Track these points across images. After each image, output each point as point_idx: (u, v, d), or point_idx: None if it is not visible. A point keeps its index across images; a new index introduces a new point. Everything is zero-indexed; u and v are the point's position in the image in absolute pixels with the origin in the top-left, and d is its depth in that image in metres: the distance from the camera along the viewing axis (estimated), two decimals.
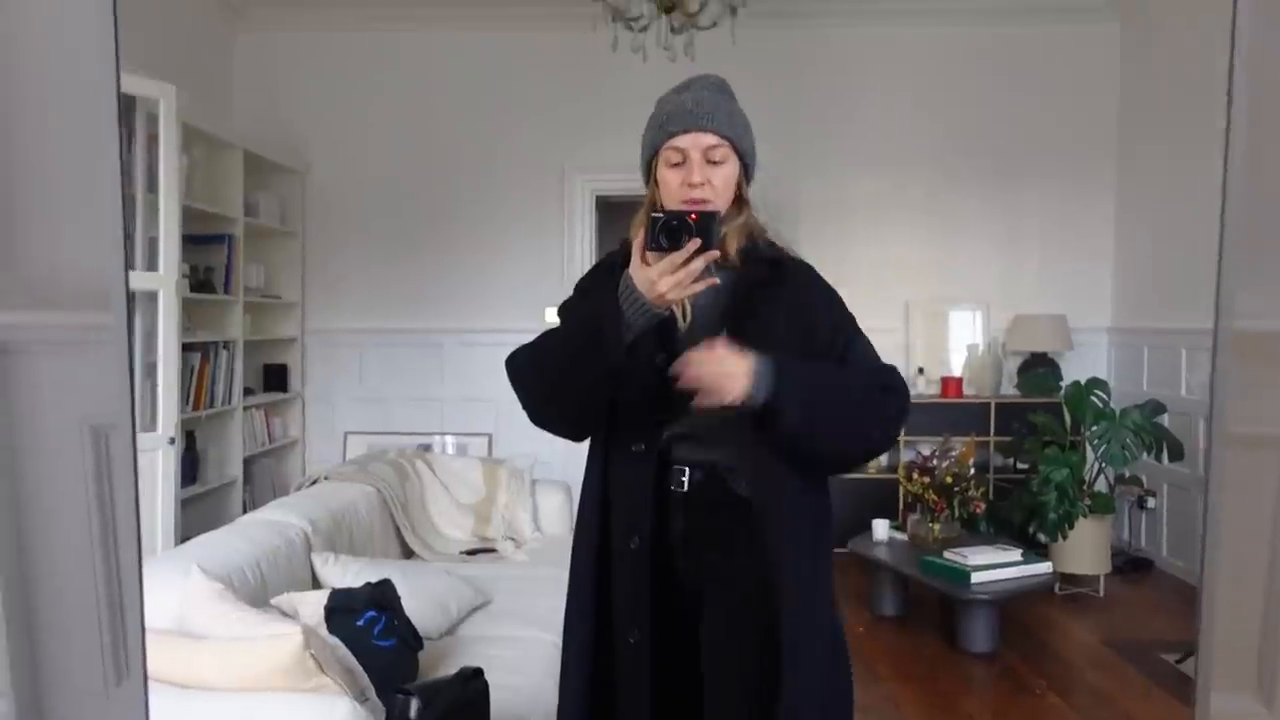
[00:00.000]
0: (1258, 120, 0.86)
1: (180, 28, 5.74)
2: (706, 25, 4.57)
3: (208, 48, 6.12)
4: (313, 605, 2.74)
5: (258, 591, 2.82)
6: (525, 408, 1.80)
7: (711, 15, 4.53)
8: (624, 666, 1.77)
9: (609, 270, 1.85)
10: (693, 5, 4.55)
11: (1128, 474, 5.48)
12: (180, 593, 2.50)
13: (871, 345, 1.85)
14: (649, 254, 1.62)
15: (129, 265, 4.15)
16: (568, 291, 1.98)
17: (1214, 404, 0.83)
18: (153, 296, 4.17)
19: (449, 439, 6.39)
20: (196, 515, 4.90)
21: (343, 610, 2.68)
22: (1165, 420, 5.26)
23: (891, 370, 1.82)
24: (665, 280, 1.59)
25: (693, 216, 1.61)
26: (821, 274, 1.89)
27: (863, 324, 1.88)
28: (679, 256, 1.59)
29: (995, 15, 6.26)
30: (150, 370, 4.20)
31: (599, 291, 1.78)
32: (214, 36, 6.20)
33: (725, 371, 1.61)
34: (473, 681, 2.31)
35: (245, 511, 4.78)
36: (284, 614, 2.76)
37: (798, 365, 1.67)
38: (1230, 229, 0.88)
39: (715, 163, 1.74)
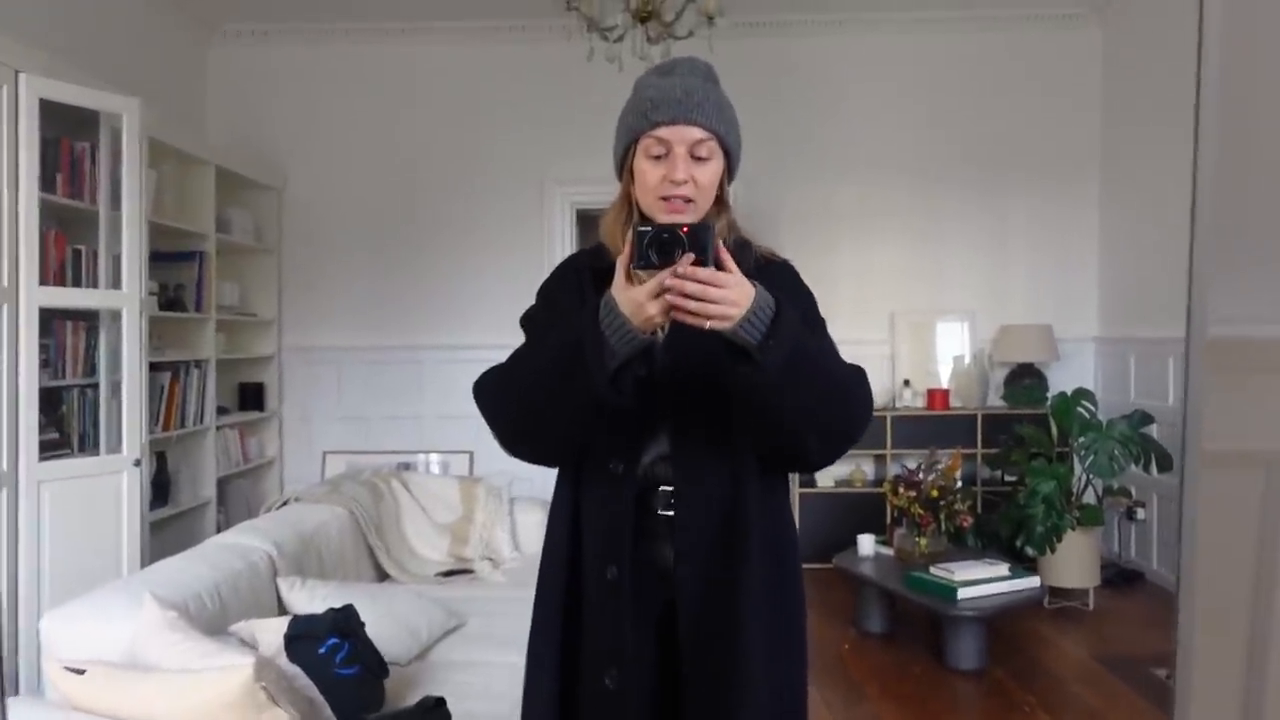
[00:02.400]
0: (1228, 116, 0.79)
1: (151, 43, 5.67)
2: (683, 35, 4.50)
3: (180, 63, 6.04)
4: (273, 633, 2.65)
5: (217, 618, 2.73)
6: (498, 438, 1.63)
7: (688, 24, 4.47)
8: (599, 714, 1.62)
9: (575, 273, 1.73)
10: (668, 15, 4.49)
11: (1116, 485, 5.41)
12: (134, 622, 2.41)
13: (839, 354, 1.69)
14: (635, 270, 1.46)
15: (90, 282, 4.07)
16: None
17: (1187, 421, 0.75)
18: (116, 315, 4.08)
19: (431, 457, 6.30)
20: (168, 538, 4.81)
21: (304, 638, 2.59)
22: (1153, 431, 5.20)
23: (863, 372, 1.66)
24: (655, 303, 1.43)
25: (684, 229, 1.44)
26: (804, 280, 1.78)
27: (848, 335, 1.78)
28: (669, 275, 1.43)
29: (977, 23, 6.23)
30: (115, 390, 4.10)
31: (567, 299, 1.67)
32: (186, 51, 6.12)
33: (722, 296, 1.41)
34: (434, 712, 2.22)
35: (219, 533, 4.70)
36: (243, 642, 2.67)
37: (797, 320, 1.49)
38: (1202, 232, 0.81)
39: (700, 159, 1.59)
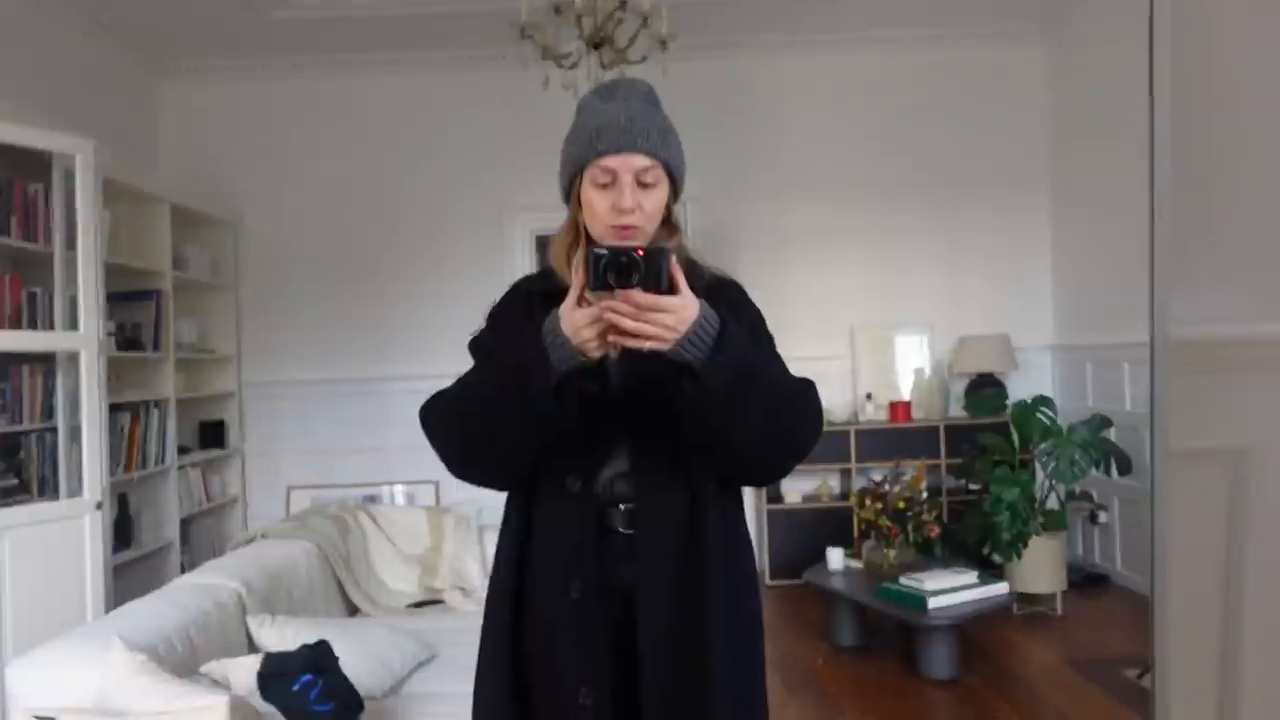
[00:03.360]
0: (1181, 127, 0.82)
1: (103, 81, 5.63)
2: (637, 60, 4.54)
3: (131, 101, 6.00)
4: (245, 671, 2.63)
5: (187, 660, 2.70)
6: (444, 460, 1.62)
7: (641, 50, 4.50)
8: None
9: (526, 295, 1.73)
10: (622, 41, 4.52)
11: (1078, 490, 5.49)
12: (101, 667, 2.37)
13: (787, 369, 1.70)
14: (591, 293, 1.46)
15: (46, 324, 4.02)
16: None
17: (1154, 423, 0.77)
18: (74, 357, 4.03)
19: (397, 488, 6.26)
20: (132, 581, 4.73)
21: (277, 675, 2.57)
22: (1112, 434, 5.28)
23: (811, 384, 1.65)
24: (591, 328, 1.46)
25: (639, 251, 1.45)
26: (761, 298, 1.79)
27: (808, 351, 1.77)
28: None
29: (925, 41, 6.33)
30: (74, 433, 4.05)
31: (515, 323, 1.65)
32: (137, 89, 6.08)
33: (658, 320, 1.43)
34: None
35: (184, 574, 4.64)
36: (215, 682, 2.64)
37: (742, 337, 1.52)
38: (1160, 239, 0.84)
39: (646, 185, 1.61)
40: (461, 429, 1.60)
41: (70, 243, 4.10)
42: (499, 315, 1.76)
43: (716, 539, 1.63)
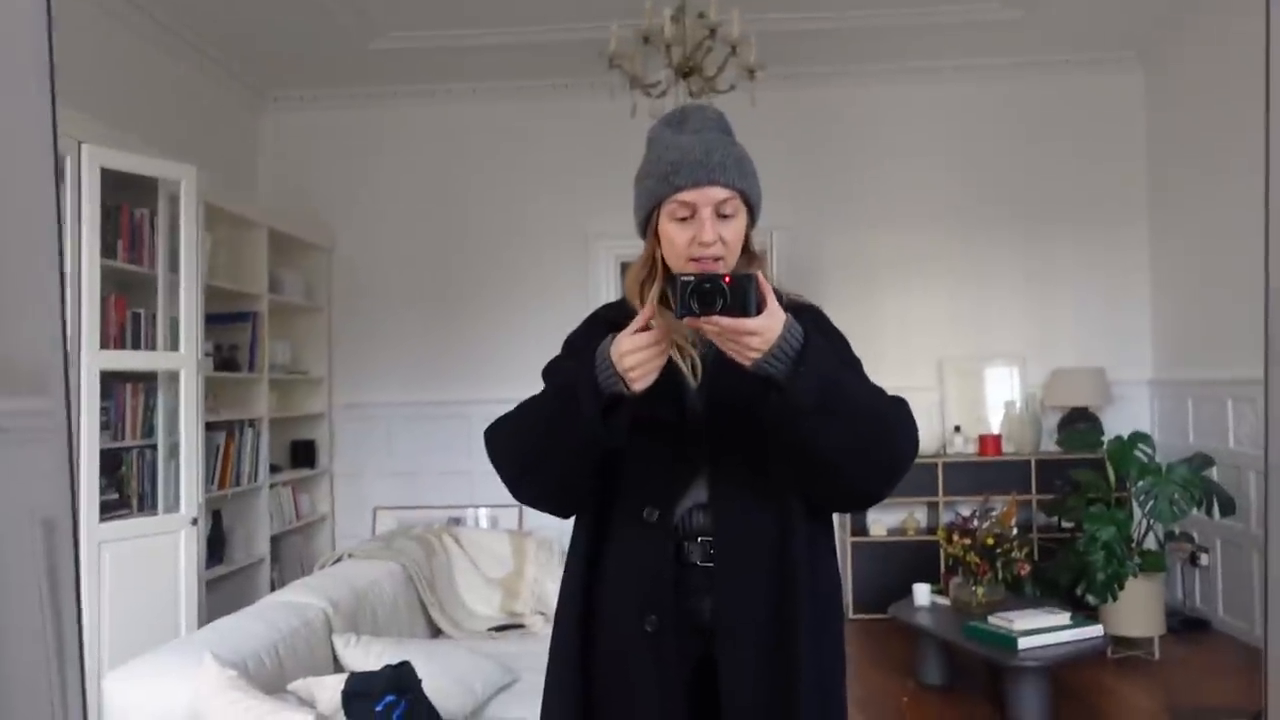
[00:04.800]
0: None
1: (204, 109, 5.83)
2: (724, 89, 4.55)
3: (232, 128, 6.21)
4: (331, 690, 2.66)
5: (275, 677, 2.74)
6: (505, 481, 1.63)
7: (729, 79, 4.51)
8: None
9: (601, 323, 1.73)
10: (710, 69, 4.53)
11: (1177, 531, 5.29)
12: (193, 682, 2.43)
13: (878, 387, 1.67)
14: (678, 319, 1.45)
15: (149, 344, 4.14)
16: None
17: (1268, 460, 0.74)
18: (174, 376, 4.15)
19: (481, 511, 6.32)
20: (224, 596, 4.84)
21: (360, 695, 2.60)
22: (1214, 474, 5.08)
23: (904, 402, 1.63)
24: (632, 356, 1.47)
25: (726, 278, 1.43)
26: (847, 327, 1.77)
27: (895, 382, 1.72)
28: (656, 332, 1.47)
29: (1017, 69, 6.23)
30: (173, 450, 4.17)
31: (586, 348, 1.64)
32: (238, 117, 6.29)
33: (744, 341, 1.42)
34: None
35: (274, 590, 4.73)
36: (301, 700, 2.68)
37: (826, 350, 1.49)
38: (1276, 264, 0.80)
39: (725, 216, 1.59)
40: (518, 448, 1.62)
41: (173, 265, 4.24)
42: (573, 342, 1.77)
43: (802, 572, 1.58)
